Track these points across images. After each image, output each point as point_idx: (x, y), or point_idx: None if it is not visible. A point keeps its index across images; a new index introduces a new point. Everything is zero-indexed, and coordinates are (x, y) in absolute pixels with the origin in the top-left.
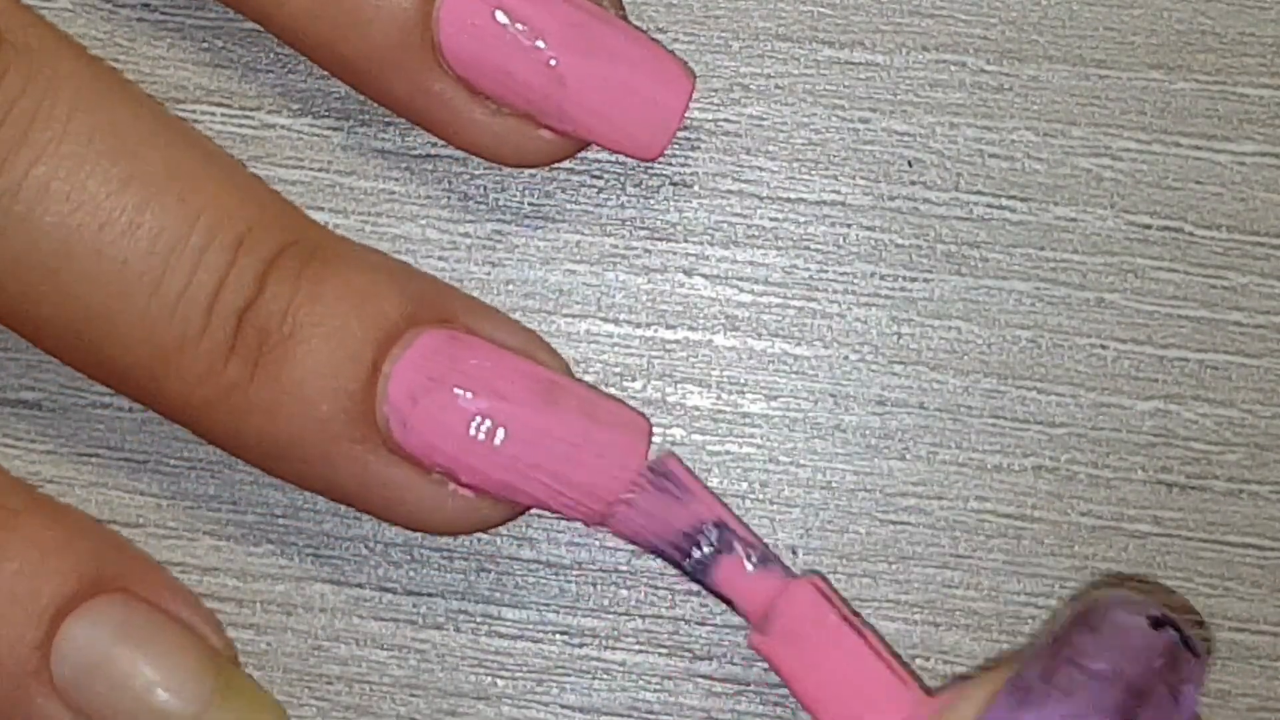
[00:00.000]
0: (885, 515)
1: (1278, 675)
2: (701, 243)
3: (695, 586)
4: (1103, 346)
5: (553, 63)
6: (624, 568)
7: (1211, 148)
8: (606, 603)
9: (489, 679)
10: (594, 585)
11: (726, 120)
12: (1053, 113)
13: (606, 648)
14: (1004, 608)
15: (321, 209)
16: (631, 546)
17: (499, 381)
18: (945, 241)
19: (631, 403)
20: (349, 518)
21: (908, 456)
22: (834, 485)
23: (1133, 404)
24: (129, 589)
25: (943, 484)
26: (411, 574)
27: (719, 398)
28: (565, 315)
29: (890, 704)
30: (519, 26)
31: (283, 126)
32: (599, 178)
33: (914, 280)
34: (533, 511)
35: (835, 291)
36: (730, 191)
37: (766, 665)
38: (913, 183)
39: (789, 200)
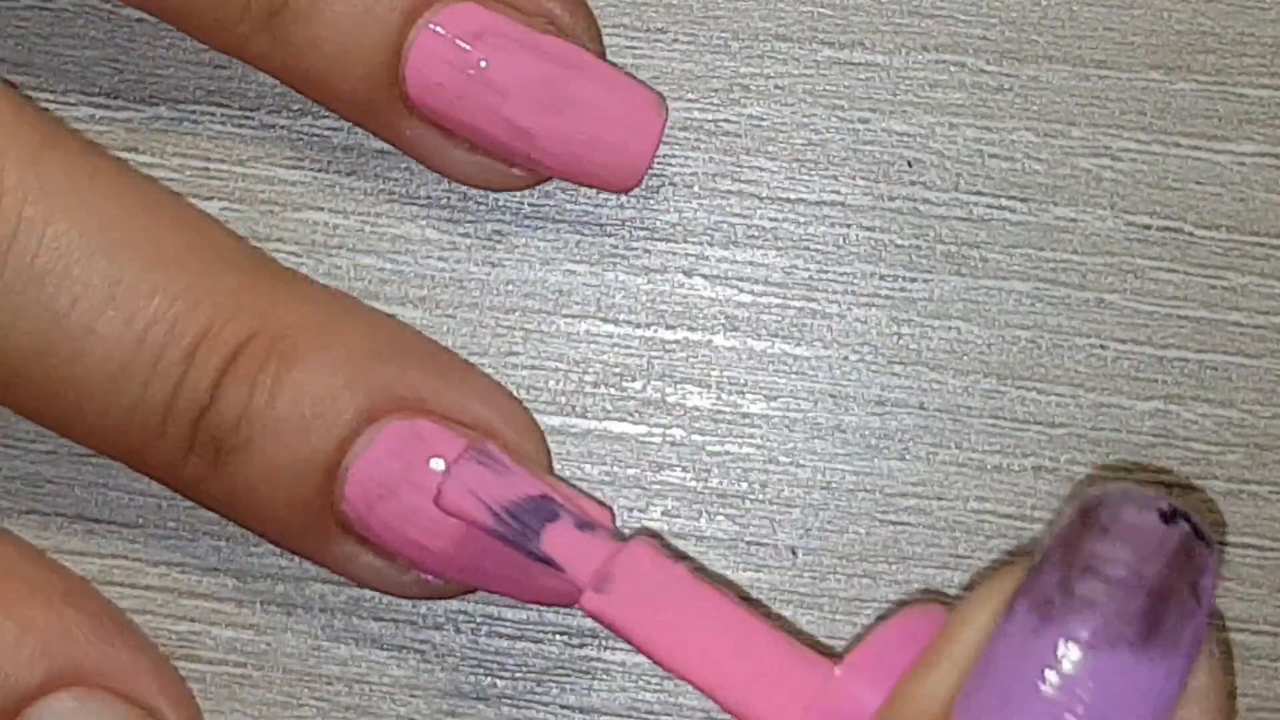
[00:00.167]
0: (885, 515)
1: (1278, 675)
2: (701, 243)
3: None
4: (1103, 346)
5: (519, 121)
6: None
7: (1211, 148)
8: None
9: (489, 679)
10: None
11: (726, 120)
12: (1053, 113)
13: (606, 648)
14: None
15: (321, 209)
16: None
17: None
18: (945, 241)
19: (631, 403)
20: None
21: (908, 456)
22: (834, 485)
23: (1133, 404)
24: (86, 682)
25: (943, 484)
26: None
27: (719, 398)
28: (565, 315)
29: (776, 659)
30: (484, 85)
31: (283, 126)
32: None
33: (914, 280)
34: None
35: (835, 291)
36: (730, 191)
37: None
38: (913, 183)
39: (789, 200)
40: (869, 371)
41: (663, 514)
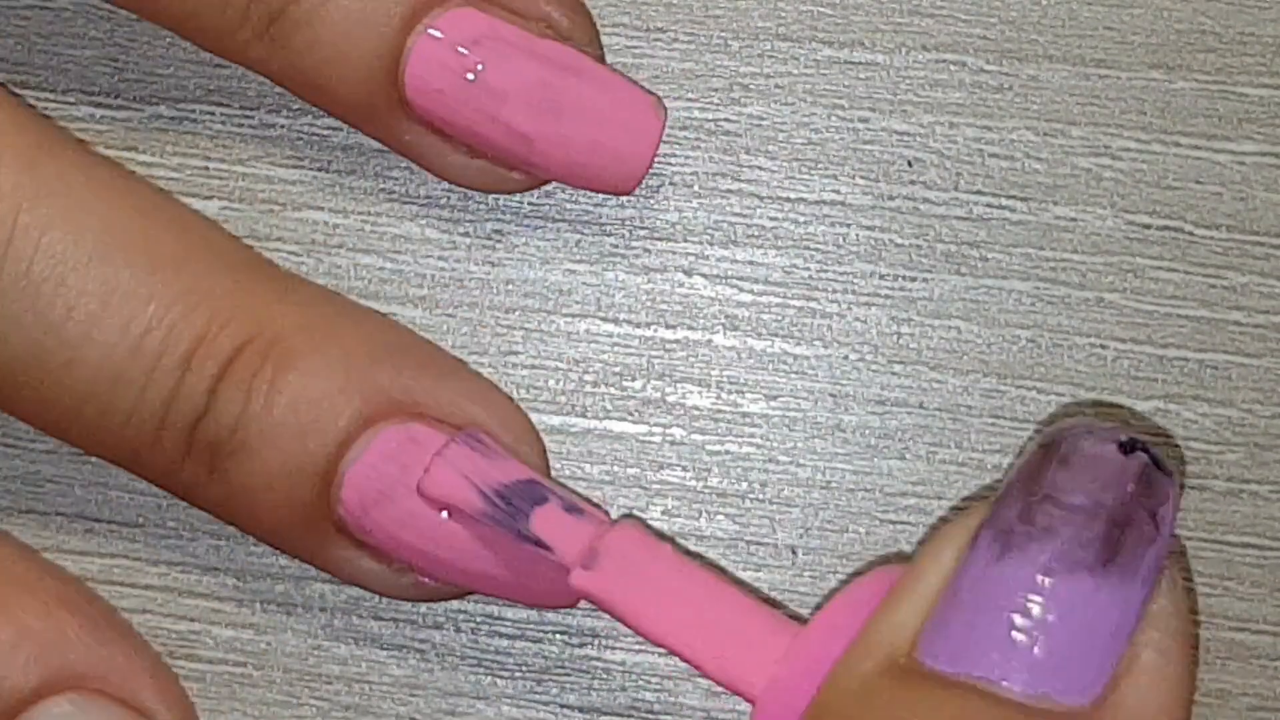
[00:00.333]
0: (885, 515)
1: (1278, 675)
2: (701, 242)
3: None
4: (1103, 346)
5: (518, 126)
6: None
7: (1211, 148)
8: None
9: (489, 679)
10: None
11: (726, 120)
12: (1053, 113)
13: (606, 648)
14: None
15: (321, 208)
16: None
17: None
18: (945, 241)
19: (631, 402)
20: None
21: (907, 456)
22: (834, 485)
23: (1132, 403)
24: (83, 686)
25: (943, 484)
26: None
27: (719, 397)
28: (565, 315)
29: (754, 624)
30: (483, 90)
31: (283, 126)
32: None
33: (914, 280)
34: None
35: (835, 291)
36: (730, 191)
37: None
38: (913, 182)
39: (789, 200)
40: (869, 371)
41: (663, 513)
